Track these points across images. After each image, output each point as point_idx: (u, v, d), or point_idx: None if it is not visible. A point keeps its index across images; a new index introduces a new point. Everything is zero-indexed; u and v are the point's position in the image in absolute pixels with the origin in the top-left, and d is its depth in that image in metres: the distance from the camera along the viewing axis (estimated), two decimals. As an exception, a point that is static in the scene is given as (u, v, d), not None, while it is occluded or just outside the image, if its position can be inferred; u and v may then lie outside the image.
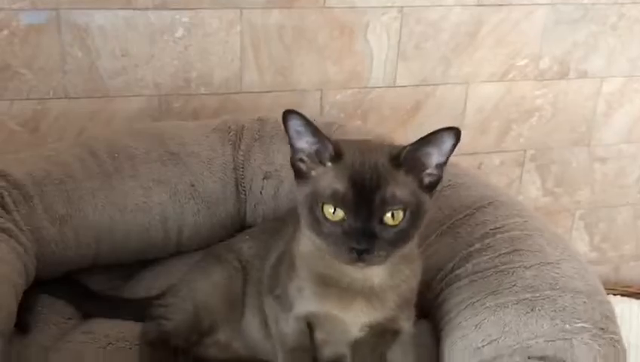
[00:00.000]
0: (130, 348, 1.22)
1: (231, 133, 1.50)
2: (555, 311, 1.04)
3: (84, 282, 1.40)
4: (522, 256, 1.15)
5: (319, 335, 1.09)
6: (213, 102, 1.79)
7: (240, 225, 1.50)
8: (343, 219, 0.93)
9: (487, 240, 1.21)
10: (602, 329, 1.03)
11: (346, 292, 1.02)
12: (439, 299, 1.21)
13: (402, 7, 1.82)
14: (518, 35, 1.93)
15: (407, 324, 1.08)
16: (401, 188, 0.93)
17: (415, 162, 0.95)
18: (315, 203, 0.95)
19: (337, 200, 0.92)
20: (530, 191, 2.16)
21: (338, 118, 1.85)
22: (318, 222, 0.95)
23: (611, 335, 1.03)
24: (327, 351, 1.11)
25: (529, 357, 0.98)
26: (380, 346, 1.10)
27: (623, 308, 2.15)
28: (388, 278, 1.02)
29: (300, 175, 0.99)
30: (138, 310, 1.29)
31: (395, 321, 1.07)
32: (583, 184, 2.20)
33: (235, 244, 1.28)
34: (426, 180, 0.97)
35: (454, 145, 0.94)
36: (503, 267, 1.14)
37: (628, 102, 2.11)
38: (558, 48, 1.98)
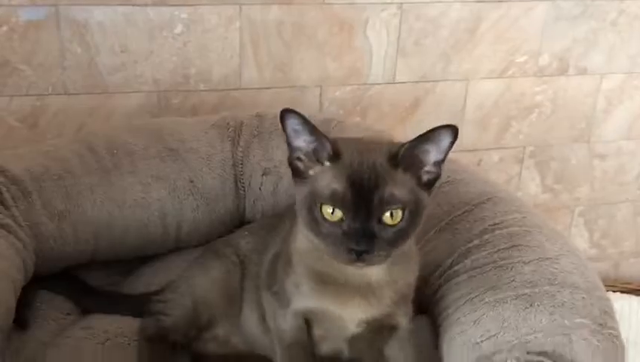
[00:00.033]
0: (129, 344, 1.22)
1: (230, 130, 1.49)
2: (553, 306, 1.04)
3: (82, 278, 1.40)
4: (521, 252, 1.15)
5: (317, 331, 1.09)
6: (212, 98, 1.78)
7: (239, 221, 1.50)
8: (341, 220, 0.92)
9: (485, 236, 1.21)
10: (601, 324, 1.03)
11: (343, 288, 1.02)
12: (438, 294, 1.21)
13: (402, 3, 1.82)
14: (518, 31, 1.93)
15: (404, 320, 1.08)
16: (399, 187, 0.93)
17: (413, 160, 0.95)
18: (313, 203, 0.94)
19: (336, 201, 0.92)
20: (530, 188, 2.16)
21: (337, 115, 1.85)
22: (316, 222, 0.94)
23: (610, 331, 1.03)
24: (324, 347, 1.11)
25: (528, 353, 0.97)
26: (377, 341, 1.10)
27: (623, 304, 2.15)
28: (385, 275, 1.02)
29: (297, 174, 0.98)
30: (137, 305, 1.29)
31: (393, 317, 1.07)
32: (583, 181, 2.20)
33: (233, 240, 1.29)
34: (425, 178, 0.97)
35: (452, 143, 0.94)
36: (502, 262, 1.14)
37: (628, 98, 2.10)
38: (558, 45, 1.98)
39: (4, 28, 1.61)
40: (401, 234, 0.94)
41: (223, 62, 1.76)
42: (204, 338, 1.23)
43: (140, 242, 1.40)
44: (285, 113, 0.95)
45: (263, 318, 1.16)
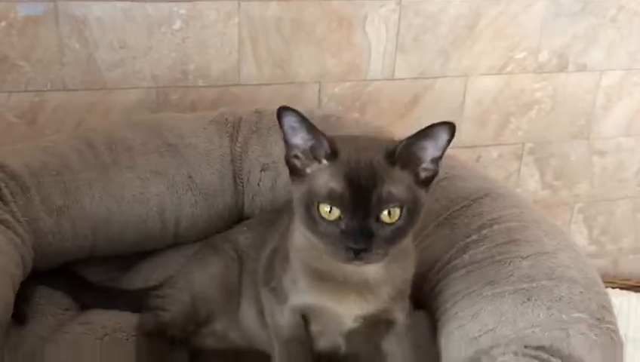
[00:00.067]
0: (128, 339, 1.22)
1: (228, 125, 1.49)
2: (551, 301, 1.04)
3: (81, 273, 1.39)
4: (519, 247, 1.15)
5: (314, 326, 1.09)
6: (211, 94, 1.78)
7: (238, 217, 1.50)
8: (339, 218, 0.92)
9: (484, 231, 1.21)
10: (599, 319, 1.03)
11: (340, 285, 1.02)
12: (436, 289, 1.21)
13: (401, -1, 1.83)
14: (517, 27, 1.93)
15: (401, 315, 1.08)
16: (397, 185, 0.93)
17: (410, 157, 0.95)
18: (310, 201, 0.94)
19: (334, 200, 0.92)
20: (529, 185, 2.16)
21: (336, 111, 1.84)
22: (314, 221, 0.94)
23: (608, 326, 1.03)
24: (322, 342, 1.11)
25: (525, 347, 0.97)
26: (374, 337, 1.10)
27: (622, 301, 2.15)
28: (382, 272, 1.02)
29: (294, 172, 0.98)
30: (135, 301, 1.29)
31: (390, 312, 1.07)
32: (582, 177, 2.20)
33: (231, 235, 1.29)
34: (422, 175, 0.97)
35: (449, 140, 0.94)
36: (500, 257, 1.14)
37: (627, 95, 2.10)
38: (557, 41, 1.98)
39: (3, 23, 1.61)
40: (399, 233, 0.94)
41: (221, 58, 1.76)
42: (203, 333, 1.23)
43: (139, 237, 1.40)
44: (283, 110, 0.95)
45: (261, 313, 1.16)
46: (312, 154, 0.96)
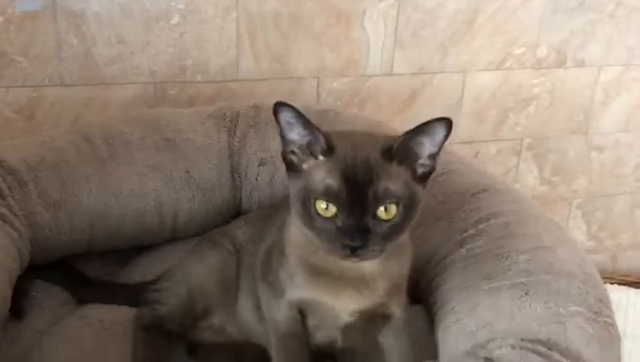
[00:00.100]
0: (125, 333, 1.22)
1: (226, 120, 1.49)
2: (549, 294, 1.03)
3: (79, 268, 1.39)
4: (517, 241, 1.15)
5: (311, 321, 1.09)
6: (209, 89, 1.78)
7: (236, 212, 1.50)
8: (335, 215, 0.92)
9: (481, 226, 1.21)
10: (596, 313, 1.02)
11: (337, 280, 1.02)
12: (433, 284, 1.21)
13: (399, -6, 1.82)
14: (515, 23, 1.93)
15: (398, 310, 1.08)
16: (393, 181, 0.93)
17: (407, 153, 0.95)
18: (307, 198, 0.94)
19: (330, 197, 0.92)
20: (527, 180, 2.16)
21: (334, 106, 1.84)
22: (310, 217, 0.94)
23: (605, 319, 1.03)
24: (319, 336, 1.11)
25: (522, 340, 0.97)
26: (371, 331, 1.10)
27: (620, 296, 2.16)
28: (379, 267, 1.02)
29: (291, 168, 0.98)
30: (133, 295, 1.30)
31: (386, 307, 1.07)
32: (581, 173, 2.20)
33: (229, 229, 1.29)
34: (419, 171, 0.96)
35: (446, 136, 0.93)
36: (498, 251, 1.14)
37: (625, 90, 2.10)
38: (556, 36, 1.98)
39: (1, 19, 1.61)
40: (395, 229, 0.94)
41: (219, 53, 1.76)
42: (200, 327, 1.23)
43: (137, 232, 1.40)
44: (279, 106, 0.94)
45: (258, 307, 1.15)
46: (309, 150, 0.96)
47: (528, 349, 0.95)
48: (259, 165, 1.47)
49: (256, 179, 1.47)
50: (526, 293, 1.05)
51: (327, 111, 1.54)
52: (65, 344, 1.21)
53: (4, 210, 1.23)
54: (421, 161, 0.96)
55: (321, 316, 1.07)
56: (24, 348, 1.20)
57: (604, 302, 1.06)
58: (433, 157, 0.96)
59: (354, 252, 0.92)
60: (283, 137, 0.97)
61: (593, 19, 1.98)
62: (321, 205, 0.93)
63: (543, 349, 0.95)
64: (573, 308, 1.01)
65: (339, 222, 0.92)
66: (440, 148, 0.95)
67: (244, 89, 1.80)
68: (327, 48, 1.83)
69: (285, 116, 0.95)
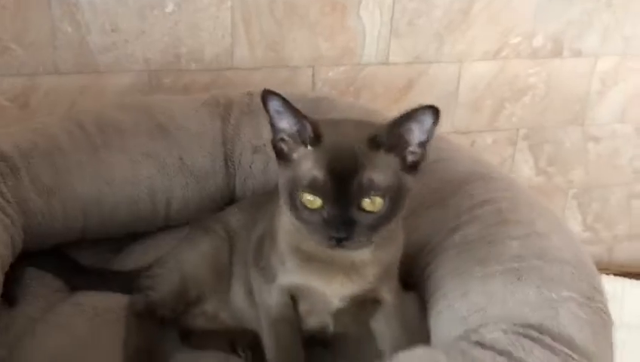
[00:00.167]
0: (118, 320, 1.22)
1: (220, 108, 1.49)
2: (541, 280, 1.03)
3: (73, 256, 1.39)
4: (510, 227, 1.14)
5: (303, 306, 1.09)
6: (204, 78, 1.78)
7: (230, 199, 1.50)
8: (321, 207, 0.92)
9: (475, 213, 1.20)
10: (589, 298, 1.02)
11: (327, 266, 1.02)
12: (426, 270, 1.21)
13: (395, -17, 1.82)
14: (512, 12, 1.92)
15: (388, 295, 1.09)
16: (379, 172, 0.92)
17: (396, 140, 0.94)
18: (294, 189, 0.94)
19: (315, 189, 0.92)
20: (523, 171, 2.15)
21: (329, 95, 1.83)
22: (297, 208, 0.94)
23: (598, 305, 1.03)
24: (311, 321, 1.11)
25: (514, 325, 0.97)
26: (362, 316, 1.11)
27: (616, 286, 2.16)
28: (369, 254, 1.02)
29: (281, 156, 0.98)
30: (126, 282, 1.29)
31: (377, 292, 1.07)
32: (577, 164, 2.19)
33: (223, 216, 1.29)
34: (409, 158, 0.96)
35: (434, 123, 0.92)
36: (491, 238, 1.14)
37: (622, 81, 2.10)
38: (552, 26, 1.97)
39: (-5, 6, 1.60)
40: (382, 220, 0.94)
41: (214, 41, 1.75)
42: (193, 313, 1.23)
43: (130, 219, 1.39)
44: (267, 95, 0.94)
45: (250, 293, 1.16)
46: (299, 138, 0.95)
47: (520, 334, 0.95)
48: (253, 153, 1.46)
49: (250, 166, 1.47)
50: (518, 279, 1.04)
51: (322, 99, 1.54)
52: (58, 331, 1.21)
53: (-4, 197, 1.23)
54: (411, 149, 0.95)
55: (312, 301, 1.07)
56: (17, 335, 1.19)
57: (596, 288, 1.06)
58: (423, 145, 0.95)
59: (339, 243, 0.92)
60: (272, 125, 0.97)
61: (590, 8, 1.97)
62: (307, 197, 0.93)
63: (535, 334, 0.95)
64: (565, 294, 1.01)
65: (324, 214, 0.92)
66: (429, 137, 0.94)
67: (239, 77, 1.79)
68: (322, 37, 1.82)
69: (273, 104, 0.95)
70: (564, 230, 1.18)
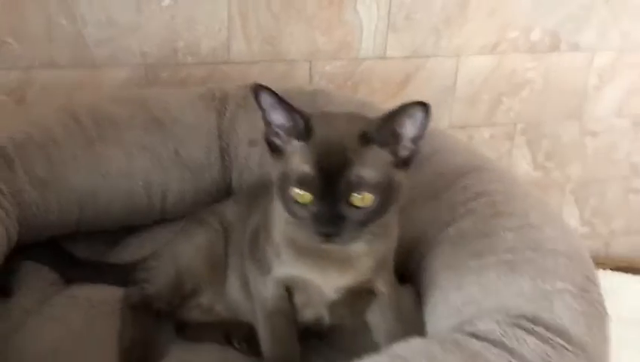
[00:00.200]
0: (113, 312, 1.22)
1: (215, 101, 1.49)
2: (536, 271, 1.03)
3: (68, 249, 1.39)
4: (505, 219, 1.14)
5: (298, 298, 1.09)
6: (200, 71, 1.77)
7: (226, 192, 1.50)
8: (311, 202, 0.92)
9: (470, 205, 1.20)
10: (583, 289, 1.02)
11: (321, 258, 1.02)
12: (422, 262, 1.21)
13: (392, -24, 1.81)
14: (509, 6, 1.92)
15: (384, 287, 1.09)
16: (369, 167, 0.92)
17: (388, 135, 0.94)
18: (285, 184, 0.94)
19: (304, 184, 0.92)
20: (521, 166, 2.15)
21: (326, 88, 1.82)
22: (288, 202, 0.95)
23: (593, 296, 1.02)
24: (307, 313, 1.11)
25: (508, 316, 0.97)
26: (358, 308, 1.11)
27: (613, 281, 2.16)
28: (364, 246, 1.02)
29: (274, 150, 0.98)
30: (122, 275, 1.30)
31: (372, 283, 1.08)
32: (574, 158, 2.19)
33: (218, 208, 1.29)
34: (402, 153, 0.95)
35: (425, 119, 0.92)
36: (486, 230, 1.14)
37: (619, 75, 2.09)
38: (550, 20, 1.97)
39: (-10, 0, 1.60)
40: (371, 216, 0.94)
41: (211, 35, 1.75)
42: (188, 306, 1.23)
43: (126, 212, 1.39)
44: (258, 89, 0.94)
45: (246, 285, 1.16)
46: (292, 132, 0.95)
47: (514, 325, 0.95)
48: (249, 146, 1.46)
49: (246, 159, 1.47)
50: (513, 270, 1.04)
51: (318, 92, 1.54)
52: (53, 323, 1.21)
53: (-9, 189, 1.22)
54: (403, 144, 0.95)
55: (307, 293, 1.08)
56: (12, 327, 1.19)
57: (591, 279, 1.06)
58: (415, 140, 0.95)
59: (329, 238, 0.92)
60: (265, 119, 0.97)
61: (587, 2, 1.97)
62: (297, 192, 0.93)
63: (529, 325, 0.95)
64: (560, 285, 1.01)
65: (313, 209, 0.92)
66: (421, 133, 0.94)
67: (235, 71, 1.79)
68: (319, 31, 1.82)
69: (265, 99, 0.95)
70: (558, 222, 1.18)
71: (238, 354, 1.18)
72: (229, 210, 1.27)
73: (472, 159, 1.36)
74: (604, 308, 1.04)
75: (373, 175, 0.92)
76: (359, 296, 1.08)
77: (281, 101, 0.94)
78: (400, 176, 0.96)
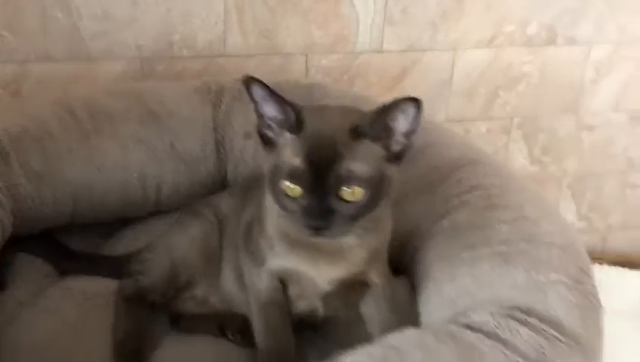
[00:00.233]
0: (107, 304, 1.22)
1: (211, 94, 1.48)
2: (529, 263, 1.03)
3: (63, 241, 1.39)
4: (499, 212, 1.14)
5: (292, 290, 1.10)
6: (196, 65, 1.77)
7: (221, 185, 1.50)
8: (301, 195, 0.92)
9: (464, 198, 1.20)
10: (578, 281, 1.02)
11: (314, 250, 1.02)
12: (416, 255, 1.21)
13: (388, -31, 1.81)
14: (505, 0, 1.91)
15: (378, 279, 1.09)
16: (359, 162, 0.92)
17: (380, 129, 0.94)
18: (276, 177, 0.94)
19: (294, 178, 0.92)
20: (517, 160, 2.15)
21: (322, 82, 1.82)
22: (279, 195, 0.95)
23: (587, 288, 1.03)
24: (301, 305, 1.11)
25: (502, 307, 0.97)
26: (352, 299, 1.11)
27: (610, 276, 2.16)
28: (356, 239, 1.02)
29: (267, 142, 0.98)
30: (116, 267, 1.29)
31: (366, 276, 1.08)
32: (571, 153, 2.19)
33: (212, 200, 1.29)
34: (394, 148, 0.95)
35: (417, 114, 0.92)
36: (480, 222, 1.14)
37: (616, 69, 2.09)
38: (546, 14, 1.96)
39: (-15, -8, 1.59)
40: (362, 210, 0.93)
41: (207, 28, 1.74)
42: (183, 298, 1.23)
43: (120, 204, 1.39)
44: (249, 81, 0.94)
45: (240, 277, 1.16)
46: (283, 125, 0.95)
47: (508, 316, 0.95)
48: (244, 138, 1.46)
49: (241, 152, 1.47)
50: (506, 262, 1.04)
51: (314, 86, 1.53)
52: (47, 315, 1.20)
53: (-15, 181, 1.22)
54: (395, 138, 0.95)
55: (301, 285, 1.08)
56: (6, 319, 1.19)
57: (586, 271, 1.06)
58: (408, 135, 0.95)
59: (318, 231, 0.92)
60: (257, 112, 0.97)
61: (584, -4, 1.97)
62: (287, 185, 0.92)
63: (522, 316, 0.95)
64: (554, 277, 1.01)
65: (303, 202, 0.92)
66: (414, 128, 0.94)
67: (231, 65, 1.78)
68: (315, 24, 1.81)
69: (256, 92, 0.94)
70: (553, 214, 1.18)
71: (232, 346, 1.18)
72: (224, 202, 1.27)
73: (467, 153, 1.36)
74: (598, 300, 1.05)
75: (364, 169, 0.92)
76: (353, 287, 1.08)
77: (273, 93, 0.94)
78: (392, 170, 0.96)
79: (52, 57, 1.68)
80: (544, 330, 0.94)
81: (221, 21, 1.75)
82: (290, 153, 0.93)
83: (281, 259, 1.05)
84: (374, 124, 0.93)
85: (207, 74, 1.75)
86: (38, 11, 1.63)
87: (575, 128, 2.15)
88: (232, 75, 1.71)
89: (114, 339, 1.16)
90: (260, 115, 0.97)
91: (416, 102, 0.91)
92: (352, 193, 0.91)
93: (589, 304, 1.02)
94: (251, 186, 1.23)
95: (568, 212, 2.27)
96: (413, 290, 1.19)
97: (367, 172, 0.92)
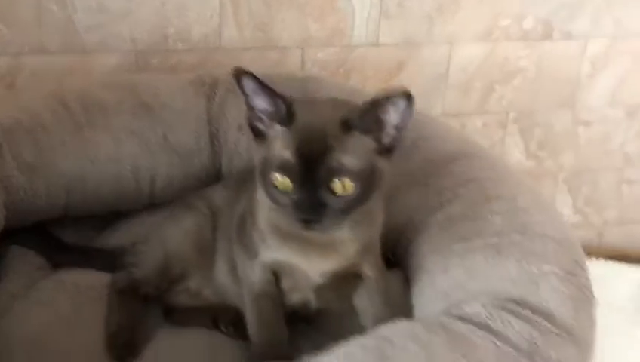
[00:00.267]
0: (100, 297, 1.22)
1: (205, 86, 1.48)
2: (522, 254, 1.03)
3: (57, 234, 1.39)
4: (492, 204, 1.14)
5: (285, 282, 1.09)
6: (191, 58, 1.76)
7: (215, 178, 1.49)
8: (291, 189, 0.92)
9: (458, 191, 1.20)
10: (570, 273, 1.02)
11: (306, 243, 1.02)
12: (409, 248, 1.21)
13: (385, -38, 1.80)
14: (502, -8, 1.91)
15: (371, 271, 1.09)
16: (350, 154, 0.91)
17: (371, 122, 0.93)
18: (266, 169, 0.94)
19: (284, 170, 0.92)
20: (514, 154, 2.14)
21: (318, 75, 1.81)
22: (269, 188, 0.94)
23: (580, 280, 1.03)
24: (294, 297, 1.11)
25: (495, 299, 0.97)
26: (345, 292, 1.11)
27: (606, 270, 2.16)
28: (348, 232, 1.02)
29: (258, 135, 0.98)
30: (109, 260, 1.29)
31: (358, 268, 1.08)
32: (567, 147, 2.18)
33: (206, 193, 1.29)
34: (385, 140, 0.95)
35: (408, 107, 0.92)
36: (474, 214, 1.14)
37: (613, 63, 2.08)
38: (542, 8, 1.96)
39: (-22, -16, 1.58)
40: (353, 203, 0.93)
41: (202, 21, 1.73)
42: (176, 290, 1.23)
43: (114, 196, 1.39)
44: (239, 73, 0.94)
45: (234, 269, 1.16)
46: (274, 117, 0.95)
47: (500, 307, 0.95)
48: (238, 131, 1.45)
49: (235, 144, 1.46)
50: (499, 253, 1.04)
51: (310, 79, 1.53)
52: (39, 308, 1.20)
53: (-22, 173, 1.22)
54: (386, 131, 0.94)
55: (294, 277, 1.08)
56: (-2, 311, 1.19)
57: (579, 263, 1.06)
58: (399, 129, 0.94)
59: (309, 224, 0.92)
60: (247, 104, 0.97)
61: (581, -11, 1.96)
62: (277, 178, 0.92)
63: (515, 307, 0.95)
64: (547, 268, 1.01)
65: (294, 196, 0.92)
66: (405, 122, 0.93)
67: (227, 58, 1.77)
68: (311, 18, 1.81)
69: (247, 84, 0.94)
70: (546, 206, 1.18)
71: (225, 338, 1.18)
72: (218, 194, 1.27)
73: (463, 146, 1.35)
74: (591, 292, 1.05)
75: (354, 162, 0.92)
76: (346, 280, 1.08)
77: (263, 86, 0.93)
78: (383, 163, 0.96)
79: (46, 50, 1.67)
80: (536, 321, 0.94)
81: (216, 14, 1.74)
82: (281, 146, 0.93)
83: (273, 252, 1.05)
84: (365, 116, 0.93)
85: (203, 67, 1.75)
86: (33, 3, 1.63)
87: (571, 123, 2.14)
88: (227, 69, 1.69)
89: (107, 332, 1.16)
90: (251, 108, 0.97)
91: (407, 95, 0.90)
92: (343, 186, 0.91)
93: (582, 296, 1.02)
94: (245, 179, 1.23)
95: (564, 207, 2.27)
96: (407, 283, 1.19)
97: (357, 165, 0.92)
